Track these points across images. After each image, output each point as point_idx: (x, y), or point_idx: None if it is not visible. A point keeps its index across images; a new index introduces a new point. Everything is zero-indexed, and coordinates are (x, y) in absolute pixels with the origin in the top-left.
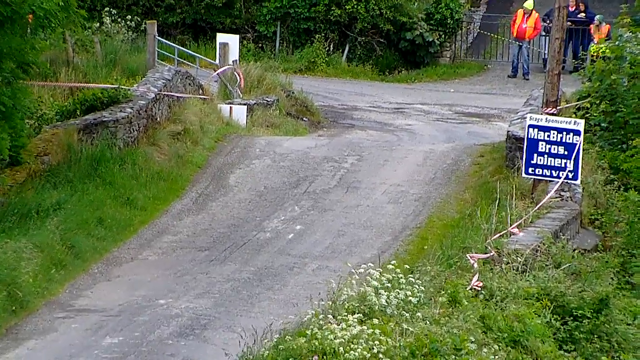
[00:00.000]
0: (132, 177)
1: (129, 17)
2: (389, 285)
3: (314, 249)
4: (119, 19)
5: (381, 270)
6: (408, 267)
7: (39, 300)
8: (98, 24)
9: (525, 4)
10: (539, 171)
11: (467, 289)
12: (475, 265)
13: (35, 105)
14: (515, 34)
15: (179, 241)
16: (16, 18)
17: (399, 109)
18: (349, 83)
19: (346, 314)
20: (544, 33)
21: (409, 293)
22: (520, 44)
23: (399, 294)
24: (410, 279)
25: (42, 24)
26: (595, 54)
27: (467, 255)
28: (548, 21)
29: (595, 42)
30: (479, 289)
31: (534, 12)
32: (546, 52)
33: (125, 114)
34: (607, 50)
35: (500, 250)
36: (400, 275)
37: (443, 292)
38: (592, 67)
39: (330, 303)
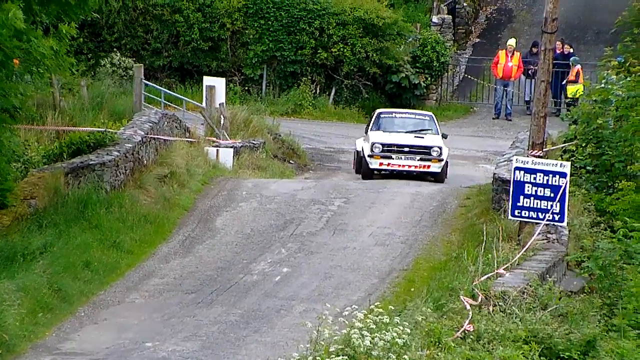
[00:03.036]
0: (119, 220)
1: (115, 60)
2: (374, 327)
3: (301, 291)
4: (106, 63)
5: (366, 312)
6: (394, 308)
7: (25, 344)
8: (85, 68)
9: (509, 42)
10: (525, 213)
11: (459, 332)
12: (468, 307)
13: (22, 148)
14: (500, 75)
15: (166, 284)
16: (7, 63)
17: None
18: (335, 125)
19: (332, 356)
20: (523, 76)
21: (395, 335)
22: (506, 84)
23: (385, 335)
24: (396, 320)
25: (31, 70)
26: (572, 96)
27: (462, 297)
28: (531, 66)
29: (563, 83)
30: (470, 331)
31: (515, 51)
32: (527, 93)
33: (112, 157)
34: (580, 93)
35: (487, 292)
36: (386, 317)
37: (430, 334)
38: (577, 110)
39: (314, 345)
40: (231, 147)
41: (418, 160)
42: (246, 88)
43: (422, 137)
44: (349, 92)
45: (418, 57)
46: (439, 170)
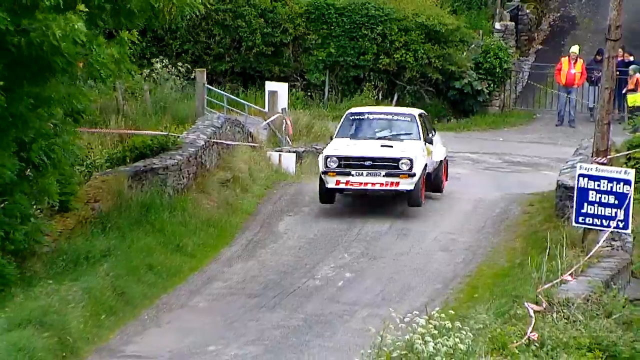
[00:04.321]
0: (182, 224)
1: (179, 64)
2: (436, 332)
3: (364, 296)
4: (169, 67)
5: (428, 317)
6: (457, 314)
7: (89, 347)
8: (148, 72)
9: (573, 49)
10: (589, 220)
11: (523, 338)
12: (532, 313)
13: (85, 152)
14: (564, 82)
15: (229, 288)
16: (69, 69)
17: (448, 158)
18: None
19: None
20: (587, 83)
21: (457, 340)
22: (569, 91)
23: (447, 341)
24: (459, 325)
25: (94, 75)
26: (632, 105)
27: (525, 303)
28: (595, 72)
29: (623, 92)
30: (534, 339)
31: (579, 58)
32: (591, 100)
33: (174, 161)
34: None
35: (550, 299)
36: (448, 323)
37: (494, 341)
38: None
39: (377, 351)
40: (294, 152)
41: (383, 176)
42: (308, 93)
43: (390, 147)
44: (412, 98)
45: (480, 64)
46: (411, 187)
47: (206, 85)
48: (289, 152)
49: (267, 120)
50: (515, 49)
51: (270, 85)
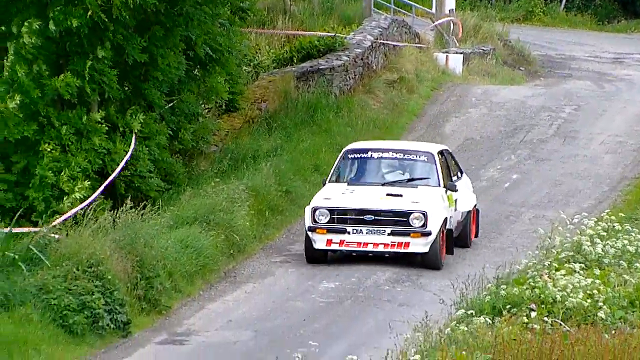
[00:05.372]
0: (348, 125)
1: None
2: (604, 234)
3: (530, 198)
4: None
5: (596, 219)
6: (627, 216)
7: (255, 244)
8: None
9: None
10: None
11: None
12: None
13: (252, 52)
14: None
15: None
16: None
17: (618, 59)
18: (566, 32)
19: (563, 263)
20: None
21: (626, 242)
22: None
23: (615, 242)
24: (627, 227)
25: None
26: None
27: None
28: None
29: None
30: None
31: None
32: None
33: (341, 62)
34: None
35: None
36: (617, 225)
37: None
38: None
39: (545, 252)
40: (461, 53)
41: (389, 234)
42: None
43: (399, 195)
44: None
45: None
46: (426, 249)
47: None
48: (456, 53)
49: (436, 22)
50: None
51: None
